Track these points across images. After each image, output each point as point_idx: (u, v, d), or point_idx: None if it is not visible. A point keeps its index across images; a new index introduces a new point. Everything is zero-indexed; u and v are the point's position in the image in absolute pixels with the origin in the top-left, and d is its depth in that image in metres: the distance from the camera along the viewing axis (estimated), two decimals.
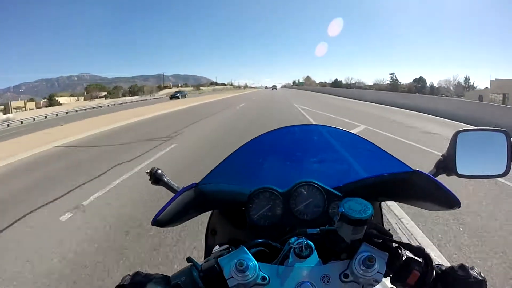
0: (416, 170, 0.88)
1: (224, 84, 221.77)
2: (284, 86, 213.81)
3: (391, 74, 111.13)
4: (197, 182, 0.93)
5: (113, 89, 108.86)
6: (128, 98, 64.17)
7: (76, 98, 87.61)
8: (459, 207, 0.78)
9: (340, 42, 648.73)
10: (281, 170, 1.08)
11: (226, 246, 0.90)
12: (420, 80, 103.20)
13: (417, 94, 33.03)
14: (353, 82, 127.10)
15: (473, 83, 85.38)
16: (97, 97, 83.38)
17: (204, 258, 0.92)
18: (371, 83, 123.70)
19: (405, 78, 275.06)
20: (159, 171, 1.12)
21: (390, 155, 0.93)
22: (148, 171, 1.13)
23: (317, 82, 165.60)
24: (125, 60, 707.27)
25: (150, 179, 1.13)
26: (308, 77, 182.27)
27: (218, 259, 0.67)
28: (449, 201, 0.79)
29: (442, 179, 0.88)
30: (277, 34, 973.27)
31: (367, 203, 0.70)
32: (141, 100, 58.19)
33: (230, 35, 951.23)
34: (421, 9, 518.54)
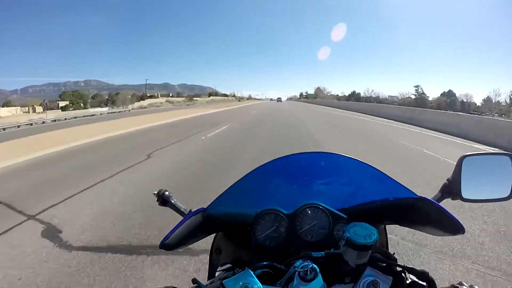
0: (421, 196, 0.92)
1: (226, 95, 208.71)
2: (290, 99, 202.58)
3: (416, 86, 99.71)
4: (204, 207, 0.98)
5: (92, 97, 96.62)
6: (97, 110, 53.32)
7: (31, 107, 69.91)
8: (463, 233, 0.81)
9: (355, 52, 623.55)
10: (287, 192, 1.09)
11: (230, 266, 0.99)
12: (449, 94, 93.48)
13: (462, 113, 27.00)
14: (374, 95, 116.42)
15: None
16: (52, 108, 69.77)
17: (208, 277, 1.02)
18: (393, 95, 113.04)
19: (432, 91, 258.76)
20: (167, 193, 1.13)
21: (396, 181, 0.97)
22: (156, 192, 1.14)
23: (331, 93, 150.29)
24: (132, 68, 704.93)
25: (157, 200, 1.14)
26: (319, 88, 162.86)
27: (224, 281, 0.69)
28: (454, 227, 0.83)
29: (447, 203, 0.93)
30: (284, 45, 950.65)
31: (372, 228, 0.73)
32: (108, 113, 48.33)
33: (238, 47, 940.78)
34: (448, 16, 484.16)
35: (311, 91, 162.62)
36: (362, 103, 54.72)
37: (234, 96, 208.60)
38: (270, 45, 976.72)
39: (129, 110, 57.51)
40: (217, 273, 1.04)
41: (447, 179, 1.00)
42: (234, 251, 1.05)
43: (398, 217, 1.03)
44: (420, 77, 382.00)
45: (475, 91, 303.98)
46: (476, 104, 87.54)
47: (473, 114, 34.99)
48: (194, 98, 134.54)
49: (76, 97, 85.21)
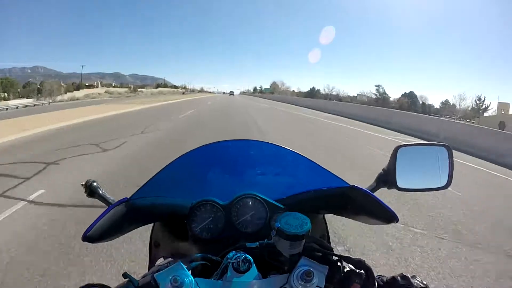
0: (353, 185, 0.93)
1: (176, 87, 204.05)
2: (243, 93, 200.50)
3: (377, 86, 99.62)
4: (127, 197, 0.94)
5: (23, 86, 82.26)
6: (16, 102, 47.21)
7: None
8: (396, 222, 0.82)
9: (315, 49, 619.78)
10: (223, 183, 1.09)
11: (168, 259, 0.95)
12: (410, 95, 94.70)
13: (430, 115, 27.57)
14: (334, 92, 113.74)
15: (488, 105, 73.41)
16: None
17: (148, 271, 0.96)
18: (354, 94, 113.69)
19: (393, 92, 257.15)
20: (95, 184, 1.10)
21: (328, 171, 0.99)
22: (83, 183, 1.11)
23: (290, 89, 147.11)
24: (83, 56, 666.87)
25: (85, 192, 1.10)
26: (275, 83, 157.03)
27: (155, 274, 0.67)
28: (387, 216, 0.84)
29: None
30: (240, 39, 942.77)
31: (305, 217, 0.73)
32: (17, 108, 40.82)
33: (192, 40, 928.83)
34: (412, 16, 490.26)
35: (267, 86, 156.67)
36: (322, 100, 52.38)
37: (184, 88, 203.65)
38: (226, 38, 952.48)
39: (49, 103, 50.46)
40: (151, 268, 1.00)
41: (383, 169, 1.01)
42: (172, 243, 1.04)
43: (333, 207, 1.04)
44: (381, 77, 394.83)
45: (431, 93, 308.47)
46: (434, 106, 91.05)
47: (434, 116, 36.06)
48: (139, 89, 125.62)
49: (6, 86, 73.75)
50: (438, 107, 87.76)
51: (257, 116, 21.20)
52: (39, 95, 60.99)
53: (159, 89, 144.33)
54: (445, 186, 1.00)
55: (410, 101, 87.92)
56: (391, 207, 0.82)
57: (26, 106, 44.08)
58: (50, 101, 51.77)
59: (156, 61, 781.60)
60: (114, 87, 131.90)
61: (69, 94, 69.90)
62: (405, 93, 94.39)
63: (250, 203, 0.98)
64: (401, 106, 76.50)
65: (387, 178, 1.00)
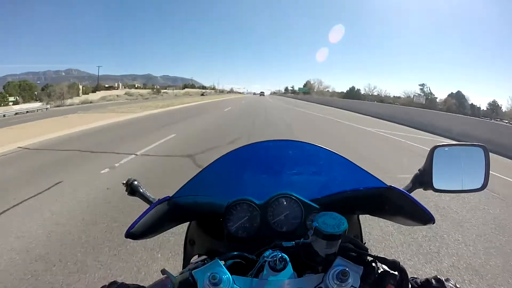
0: (390, 186, 0.94)
1: (204, 87, 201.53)
2: (274, 93, 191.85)
3: (422, 85, 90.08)
4: (170, 195, 0.98)
5: (42, 89, 77.05)
6: (23, 107, 43.50)
7: None
8: (433, 223, 0.82)
9: (353, 47, 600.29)
10: (259, 182, 1.10)
11: (203, 257, 0.95)
12: (457, 96, 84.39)
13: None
14: (375, 92, 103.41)
15: None
16: None
17: (182, 268, 0.99)
18: (396, 94, 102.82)
19: (438, 91, 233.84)
20: (135, 182, 1.14)
21: (366, 171, 0.99)
22: (125, 181, 1.14)
23: (329, 89, 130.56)
24: (115, 58, 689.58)
25: (126, 190, 1.14)
26: (309, 82, 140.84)
27: (193, 271, 0.70)
28: (424, 217, 0.84)
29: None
30: (273, 39, 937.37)
31: (342, 217, 0.74)
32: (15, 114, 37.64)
33: (224, 41, 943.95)
34: (459, 11, 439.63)
35: (300, 85, 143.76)
36: (368, 102, 43.88)
37: (213, 88, 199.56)
38: (257, 39, 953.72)
39: (47, 108, 44.98)
40: (188, 265, 0.98)
41: (419, 170, 1.01)
42: (207, 242, 1.06)
43: (369, 207, 1.04)
44: (424, 75, 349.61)
45: (472, 92, 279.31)
46: (480, 108, 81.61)
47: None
48: (164, 91, 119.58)
49: (24, 89, 71.66)
50: (485, 109, 78.62)
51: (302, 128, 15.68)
52: (49, 98, 56.56)
53: (186, 90, 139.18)
54: (481, 188, 0.98)
55: (458, 102, 78.65)
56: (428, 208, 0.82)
57: (27, 111, 40.15)
58: (48, 106, 46.05)
59: (187, 63, 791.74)
60: (137, 88, 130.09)
61: (83, 97, 66.12)
62: (452, 93, 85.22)
63: (285, 202, 0.99)
64: (449, 108, 68.49)
65: (423, 179, 0.98)
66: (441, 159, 0.96)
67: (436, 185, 0.96)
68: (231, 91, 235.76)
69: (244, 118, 19.11)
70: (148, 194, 1.11)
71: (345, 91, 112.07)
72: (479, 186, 0.97)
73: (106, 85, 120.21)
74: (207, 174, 1.01)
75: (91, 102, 55.78)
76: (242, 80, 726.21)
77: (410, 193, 0.92)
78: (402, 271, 0.68)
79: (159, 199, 1.01)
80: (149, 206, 0.97)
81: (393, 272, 0.69)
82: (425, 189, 0.99)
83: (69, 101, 52.81)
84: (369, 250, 0.76)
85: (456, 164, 0.98)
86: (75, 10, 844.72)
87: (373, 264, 0.71)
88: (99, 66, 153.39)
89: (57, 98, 55.12)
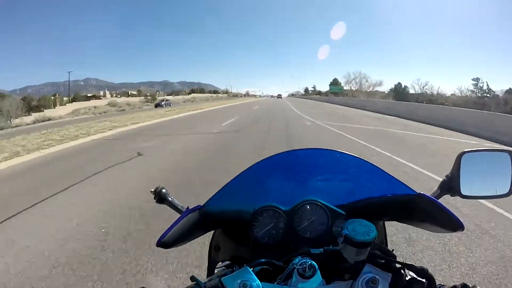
0: (420, 193, 0.93)
1: (215, 92, 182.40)
2: (292, 95, 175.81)
3: (476, 80, 68.48)
4: (201, 205, 0.99)
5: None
6: None
7: None
8: (462, 230, 0.82)
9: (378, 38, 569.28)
10: (285, 189, 1.10)
11: (228, 263, 1.00)
12: None
13: None
14: (427, 90, 74.02)
15: None
16: None
17: (207, 274, 1.05)
18: (449, 91, 75.24)
19: (493, 86, 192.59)
20: (164, 190, 1.15)
21: (395, 178, 0.99)
22: (153, 190, 1.17)
23: (377, 88, 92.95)
24: (132, 67, 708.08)
25: (154, 198, 1.16)
26: (335, 80, 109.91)
27: (222, 278, 0.71)
28: (453, 224, 0.84)
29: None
30: (287, 41, 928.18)
31: (371, 225, 0.75)
32: None
33: (240, 47, 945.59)
34: None
35: (325, 86, 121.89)
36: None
37: (226, 92, 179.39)
38: (274, 42, 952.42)
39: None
40: (216, 270, 1.05)
41: (446, 176, 1.01)
42: (233, 248, 1.06)
43: (396, 214, 1.04)
44: (476, 67, 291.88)
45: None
46: None
47: None
48: (164, 98, 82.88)
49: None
50: None
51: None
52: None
53: (193, 95, 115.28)
54: (508, 194, 0.98)
55: None
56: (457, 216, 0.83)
57: None
58: None
59: (204, 68, 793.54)
60: (130, 95, 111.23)
61: (48, 112, 47.61)
62: (510, 88, 62.51)
63: (311, 209, 0.99)
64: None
65: (450, 185, 0.99)
66: (468, 165, 0.96)
67: (463, 191, 0.96)
68: (246, 95, 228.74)
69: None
70: (177, 202, 1.13)
71: (388, 89, 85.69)
72: (506, 191, 0.98)
73: (89, 94, 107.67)
74: (237, 183, 1.02)
75: (49, 120, 39.87)
76: (258, 83, 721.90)
77: (438, 199, 0.91)
78: (430, 278, 0.69)
79: (188, 207, 1.02)
80: (178, 214, 1.01)
81: (421, 279, 0.70)
82: (452, 195, 0.99)
83: (17, 120, 35.29)
84: (396, 257, 0.78)
85: (483, 170, 0.98)
86: (93, 20, 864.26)
87: (401, 271, 0.72)
88: (70, 72, 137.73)
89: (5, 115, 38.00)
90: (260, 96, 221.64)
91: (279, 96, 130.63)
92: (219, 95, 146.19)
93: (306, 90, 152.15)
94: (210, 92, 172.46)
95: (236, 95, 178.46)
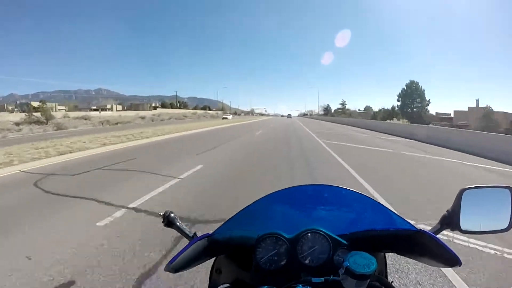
0: (420, 229, 0.96)
1: (208, 109, 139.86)
2: (305, 115, 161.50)
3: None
4: (210, 233, 1.02)
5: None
6: None
7: None
8: (459, 266, 0.84)
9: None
10: (290, 218, 1.13)
11: (229, 286, 0.99)
12: None
13: None
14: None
15: None
16: None
17: None
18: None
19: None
20: (172, 215, 1.18)
21: (397, 214, 1.02)
22: (162, 213, 1.19)
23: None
24: (144, 80, 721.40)
25: (163, 222, 1.18)
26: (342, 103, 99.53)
27: None
28: (450, 260, 0.86)
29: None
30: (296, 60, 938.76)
31: (372, 257, 0.76)
32: None
33: (250, 66, 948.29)
34: None
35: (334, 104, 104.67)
36: None
37: (222, 109, 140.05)
38: (283, 62, 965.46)
39: None
40: None
41: (447, 211, 1.02)
42: (234, 272, 1.07)
43: (397, 247, 1.05)
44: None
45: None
46: None
47: None
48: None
49: None
50: None
51: None
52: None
53: (158, 110, 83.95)
54: (507, 229, 0.99)
55: None
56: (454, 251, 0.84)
57: None
58: None
59: (214, 85, 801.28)
60: (104, 110, 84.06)
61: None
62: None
63: (314, 237, 1.00)
64: None
65: (451, 220, 1.00)
66: (468, 201, 0.97)
67: (463, 226, 0.97)
68: (251, 113, 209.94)
69: None
70: (184, 227, 1.16)
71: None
72: (504, 226, 0.98)
73: (94, 107, 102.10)
74: (245, 213, 1.04)
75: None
76: (270, 101, 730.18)
77: (437, 234, 0.95)
78: None
79: (195, 233, 1.09)
80: (187, 239, 1.07)
81: None
82: (452, 229, 1.00)
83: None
84: None
85: (483, 206, 0.99)
86: (107, 32, 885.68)
87: None
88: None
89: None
90: (270, 115, 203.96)
91: (289, 116, 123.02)
92: (210, 111, 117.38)
93: (327, 109, 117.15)
94: (193, 109, 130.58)
95: (235, 113, 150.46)
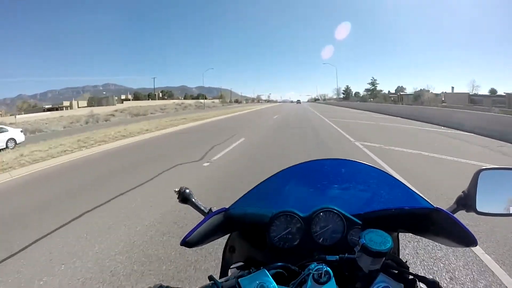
0: (437, 207, 0.94)
1: (197, 98, 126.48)
2: (315, 100, 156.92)
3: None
4: (226, 207, 1.02)
5: None
6: None
7: None
8: (475, 246, 0.83)
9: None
10: (305, 196, 1.12)
11: (242, 264, 1.02)
12: None
13: None
14: None
15: None
16: None
17: (220, 275, 1.05)
18: None
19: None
20: (187, 191, 1.17)
21: (413, 191, 1.00)
22: (177, 189, 1.18)
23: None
24: (152, 72, 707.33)
25: (178, 198, 1.17)
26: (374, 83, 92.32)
27: (239, 279, 0.72)
28: (467, 240, 0.84)
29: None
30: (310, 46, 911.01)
31: (387, 235, 0.76)
32: None
33: (258, 51, 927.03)
34: None
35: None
36: None
37: (220, 97, 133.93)
38: (292, 48, 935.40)
39: None
40: (229, 271, 1.06)
41: (463, 192, 1.01)
42: (248, 250, 1.07)
43: (412, 226, 1.04)
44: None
45: None
46: None
47: None
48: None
49: None
50: None
51: None
52: None
53: (128, 103, 79.22)
54: None
55: None
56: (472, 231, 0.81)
57: None
58: None
59: (222, 73, 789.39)
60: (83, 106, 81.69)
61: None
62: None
63: (328, 216, 1.00)
64: None
65: (466, 201, 0.98)
66: (485, 182, 0.95)
67: (479, 207, 0.95)
68: (257, 100, 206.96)
69: None
70: (200, 203, 1.16)
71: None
72: None
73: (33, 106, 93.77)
74: (261, 188, 1.04)
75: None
76: (278, 87, 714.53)
77: (453, 214, 0.91)
78: None
79: (210, 209, 1.10)
80: (202, 215, 1.07)
81: None
82: (467, 211, 0.98)
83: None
84: (409, 269, 0.79)
85: (500, 188, 0.97)
86: (111, 25, 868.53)
87: (413, 283, 0.74)
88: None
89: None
90: (278, 102, 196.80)
91: (298, 102, 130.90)
92: (213, 102, 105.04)
93: (346, 92, 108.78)
94: (192, 98, 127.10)
95: (236, 101, 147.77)
